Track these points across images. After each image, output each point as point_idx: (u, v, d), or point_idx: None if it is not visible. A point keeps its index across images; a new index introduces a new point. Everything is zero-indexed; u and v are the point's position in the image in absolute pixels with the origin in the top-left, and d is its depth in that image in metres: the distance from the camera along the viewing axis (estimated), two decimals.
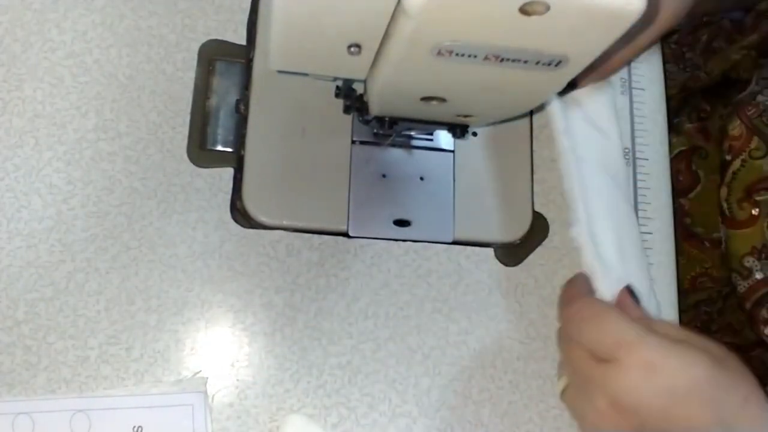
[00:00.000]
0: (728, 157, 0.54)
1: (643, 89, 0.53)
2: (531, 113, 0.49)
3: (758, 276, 0.52)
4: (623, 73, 0.53)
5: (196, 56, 0.46)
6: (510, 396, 0.44)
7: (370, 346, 0.44)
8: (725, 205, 0.54)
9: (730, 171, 0.54)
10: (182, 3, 0.47)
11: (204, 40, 0.46)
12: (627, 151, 0.51)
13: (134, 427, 0.40)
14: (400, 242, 0.46)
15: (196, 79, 0.46)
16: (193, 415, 0.41)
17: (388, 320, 0.45)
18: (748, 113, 0.55)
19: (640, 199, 0.51)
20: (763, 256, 0.53)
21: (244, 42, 0.47)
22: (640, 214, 0.50)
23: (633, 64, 0.53)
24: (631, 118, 0.52)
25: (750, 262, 0.53)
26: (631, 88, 0.53)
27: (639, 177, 0.51)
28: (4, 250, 0.41)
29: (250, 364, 0.43)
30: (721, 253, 0.58)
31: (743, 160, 0.54)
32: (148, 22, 0.46)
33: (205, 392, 0.41)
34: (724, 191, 0.55)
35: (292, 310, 0.44)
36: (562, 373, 0.39)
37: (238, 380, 0.42)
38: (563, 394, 0.38)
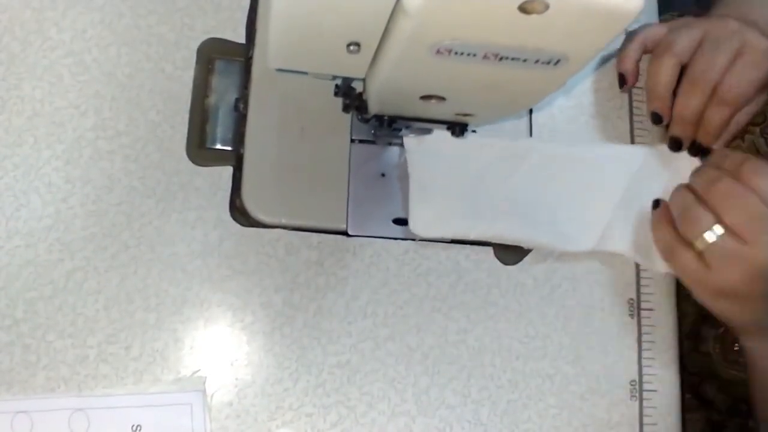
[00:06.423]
0: None
1: (642, 88, 0.53)
2: (530, 111, 0.49)
3: None
4: None
5: (195, 55, 0.46)
6: (509, 395, 0.44)
7: (369, 345, 0.44)
8: None
9: None
10: (181, 1, 0.46)
11: (203, 38, 0.46)
12: None
13: (133, 426, 0.40)
14: (400, 241, 0.46)
15: (196, 77, 0.46)
16: (191, 414, 0.41)
17: (387, 319, 0.45)
18: None
19: None
20: None
21: (243, 40, 0.47)
22: None
23: None
24: (630, 117, 0.52)
25: None
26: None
27: None
28: (3, 249, 0.41)
29: (249, 363, 0.43)
30: None
31: None
32: (147, 21, 0.46)
33: (204, 391, 0.41)
34: None
35: (291, 308, 0.44)
36: (698, 233, 0.38)
37: (237, 379, 0.42)
38: (712, 246, 0.38)
